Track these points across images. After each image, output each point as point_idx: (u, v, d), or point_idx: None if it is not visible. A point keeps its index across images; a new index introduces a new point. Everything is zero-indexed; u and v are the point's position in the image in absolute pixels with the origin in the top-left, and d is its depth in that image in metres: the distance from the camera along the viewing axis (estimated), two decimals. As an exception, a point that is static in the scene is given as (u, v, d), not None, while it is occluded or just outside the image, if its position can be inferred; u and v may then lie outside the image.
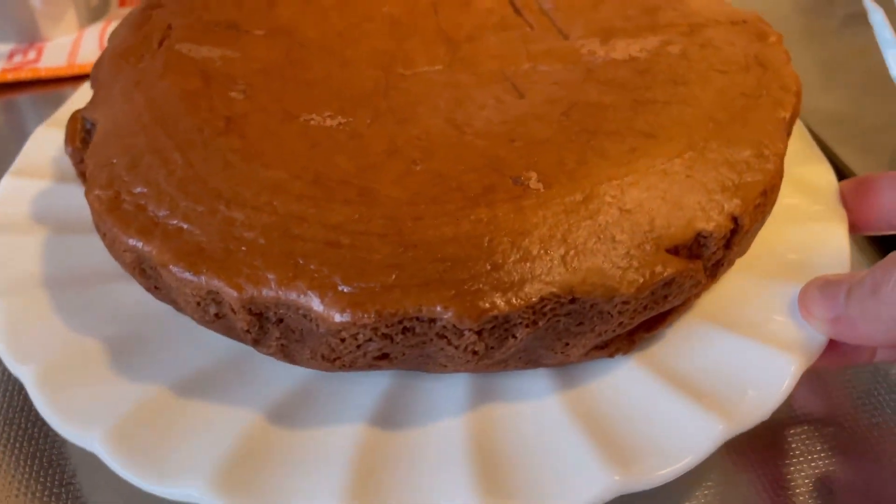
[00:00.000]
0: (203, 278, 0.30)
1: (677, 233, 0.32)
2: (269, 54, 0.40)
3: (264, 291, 0.30)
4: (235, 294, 0.30)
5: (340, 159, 0.34)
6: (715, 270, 0.34)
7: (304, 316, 0.30)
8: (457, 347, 0.30)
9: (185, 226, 0.32)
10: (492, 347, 0.30)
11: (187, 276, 0.31)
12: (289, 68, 0.40)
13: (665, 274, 0.30)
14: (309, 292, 0.30)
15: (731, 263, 0.35)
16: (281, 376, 0.35)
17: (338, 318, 0.29)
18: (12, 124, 0.59)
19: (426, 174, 0.33)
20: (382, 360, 0.31)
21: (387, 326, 0.29)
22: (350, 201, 0.32)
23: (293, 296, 0.30)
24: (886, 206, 0.38)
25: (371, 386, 0.35)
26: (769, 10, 0.65)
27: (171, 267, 0.31)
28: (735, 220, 0.32)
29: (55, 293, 0.37)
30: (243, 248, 0.31)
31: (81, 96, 0.48)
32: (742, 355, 0.33)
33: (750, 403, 0.32)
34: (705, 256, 0.33)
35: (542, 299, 0.29)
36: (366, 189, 0.32)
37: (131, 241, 0.32)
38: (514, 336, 0.30)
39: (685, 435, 0.31)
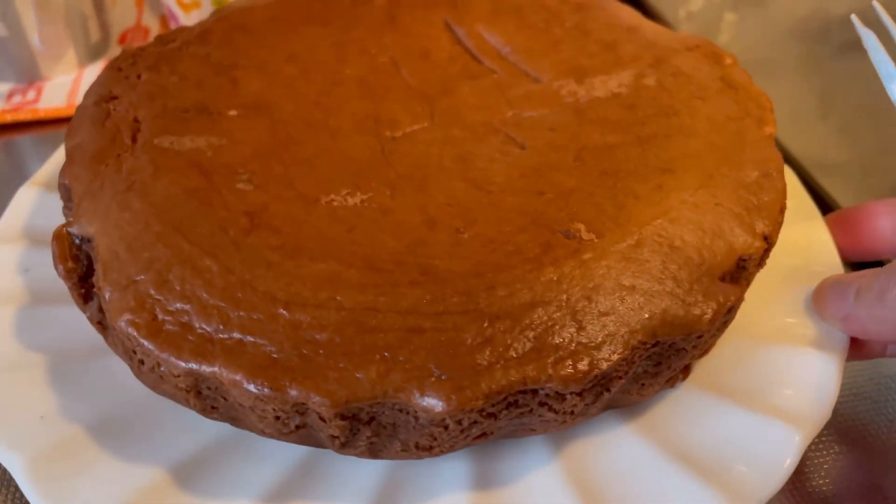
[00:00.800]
0: (289, 392, 0.29)
1: (724, 260, 0.33)
2: (255, 136, 0.38)
3: (358, 393, 0.28)
4: (328, 402, 0.28)
5: (384, 239, 0.33)
6: (745, 290, 0.36)
7: (401, 410, 0.29)
8: (557, 412, 0.30)
9: (248, 338, 0.30)
10: (587, 404, 0.31)
11: (266, 391, 0.29)
12: (282, 148, 0.38)
13: (729, 302, 0.32)
14: (406, 386, 0.29)
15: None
16: (279, 454, 0.34)
17: (442, 407, 0.28)
18: (12, 164, 0.58)
19: (477, 241, 0.33)
20: (481, 437, 0.31)
21: (492, 406, 0.29)
22: (416, 282, 0.31)
23: (390, 392, 0.28)
24: (885, 232, 0.39)
25: (370, 465, 0.34)
26: (766, 37, 0.68)
27: (246, 385, 0.29)
28: (766, 238, 0.35)
29: (35, 371, 0.36)
30: (321, 352, 0.29)
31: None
32: (746, 429, 0.34)
33: (756, 481, 0.32)
34: (743, 278, 0.35)
35: (632, 349, 0.30)
36: (425, 266, 0.32)
37: (188, 365, 0.30)
38: (608, 390, 0.31)
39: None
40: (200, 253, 0.32)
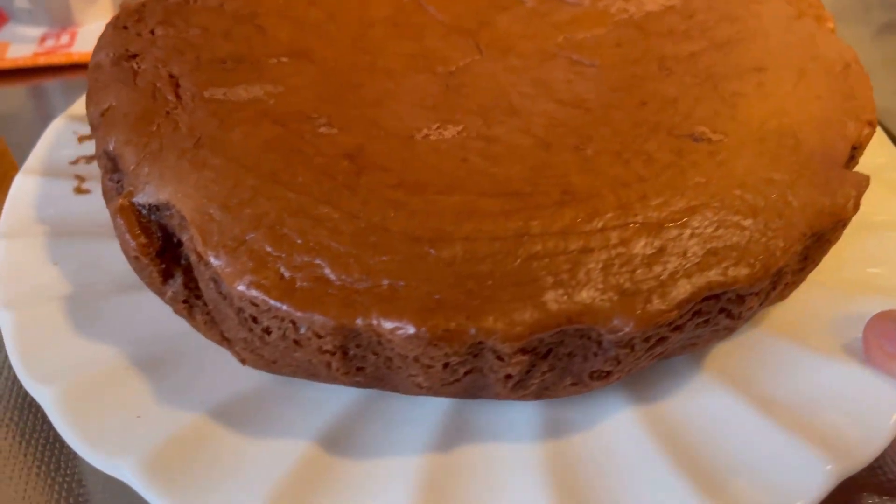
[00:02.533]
0: (469, 331, 0.25)
1: (842, 150, 0.32)
2: (310, 82, 0.35)
3: (543, 322, 0.26)
4: (512, 335, 0.25)
5: (503, 165, 0.30)
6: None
7: (583, 336, 0.27)
8: (733, 317, 0.29)
9: (399, 283, 0.26)
10: (760, 304, 0.29)
11: (441, 335, 0.26)
12: (346, 92, 0.34)
13: (863, 188, 0.31)
14: (590, 308, 0.26)
15: None
16: (329, 400, 0.32)
17: (631, 325, 0.26)
18: (39, 111, 0.56)
19: (604, 156, 0.31)
20: (658, 356, 0.29)
21: (680, 317, 0.27)
22: (563, 202, 0.29)
23: (574, 317, 0.26)
24: None
25: (432, 408, 0.32)
26: None
27: (416, 332, 0.25)
28: (871, 124, 0.34)
29: (71, 305, 0.35)
30: (489, 284, 0.26)
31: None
32: (842, 382, 0.31)
33: (858, 439, 0.29)
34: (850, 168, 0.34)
35: (801, 240, 0.29)
36: (564, 185, 0.29)
37: (339, 321, 0.26)
38: (775, 287, 0.29)
39: (791, 473, 0.28)
40: (312, 201, 0.28)
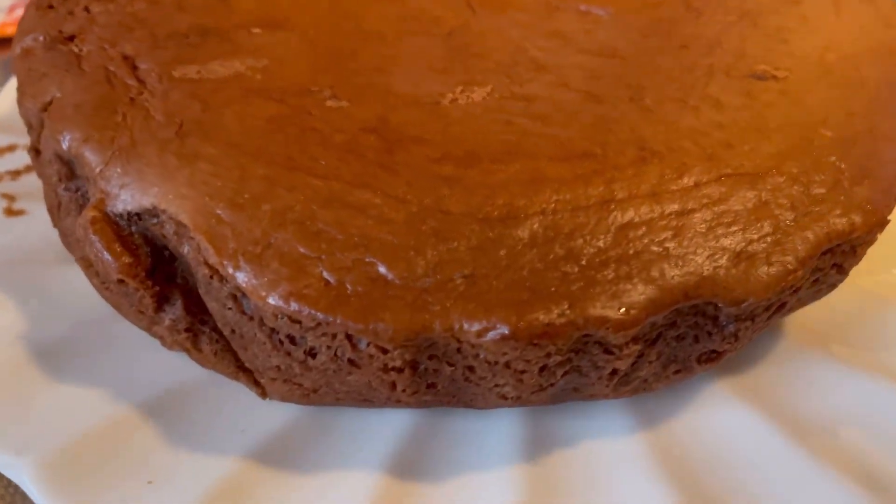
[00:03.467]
0: (577, 321, 0.21)
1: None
2: (296, 53, 0.29)
3: (663, 298, 0.21)
4: (629, 319, 0.21)
5: (555, 124, 0.26)
6: None
7: (700, 314, 0.23)
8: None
9: (476, 274, 0.21)
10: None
11: (543, 331, 0.21)
12: (343, 59, 0.29)
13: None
14: (720, 275, 0.22)
15: None
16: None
17: (771, 285, 0.22)
18: (7, 79, 0.50)
19: (666, 105, 0.27)
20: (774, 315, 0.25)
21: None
22: (642, 159, 0.24)
23: (701, 289, 0.22)
24: None
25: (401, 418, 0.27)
26: None
27: (515, 331, 0.21)
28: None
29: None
30: (584, 264, 0.22)
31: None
32: (868, 395, 0.27)
33: (884, 458, 0.25)
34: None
35: None
36: (637, 141, 0.25)
37: (410, 331, 0.21)
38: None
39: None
40: (345, 186, 0.23)
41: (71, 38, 0.29)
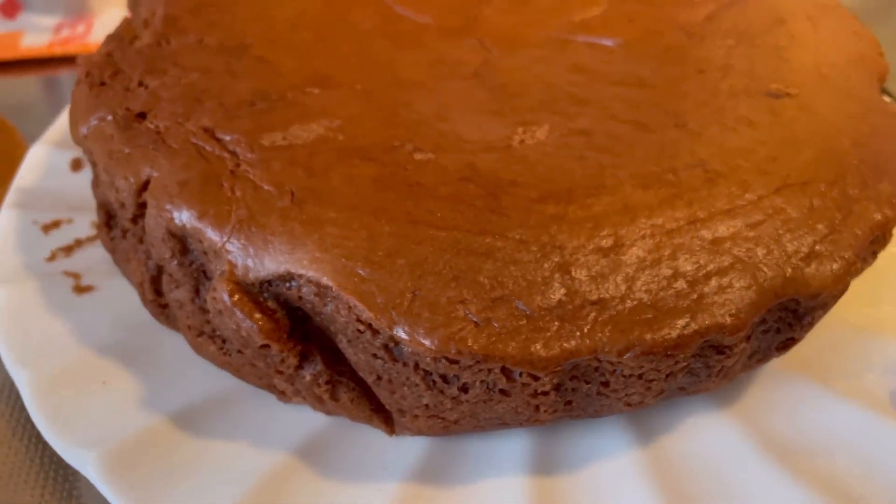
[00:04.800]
0: (701, 330, 0.24)
1: (878, 83, 0.35)
2: (358, 108, 0.31)
3: (760, 301, 0.25)
4: (741, 319, 0.24)
5: (626, 157, 0.29)
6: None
7: (784, 308, 0.27)
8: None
9: (606, 299, 0.24)
10: None
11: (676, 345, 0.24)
12: (400, 110, 0.31)
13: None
14: (800, 275, 0.26)
15: None
16: (308, 416, 0.30)
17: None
18: (53, 102, 0.53)
19: (713, 128, 0.30)
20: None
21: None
22: (711, 181, 0.28)
23: (787, 288, 0.26)
24: None
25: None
26: None
27: (652, 346, 0.24)
28: (881, 54, 0.36)
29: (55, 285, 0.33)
30: (690, 279, 0.25)
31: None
32: (860, 425, 0.29)
33: (872, 487, 0.27)
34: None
35: None
36: (702, 164, 0.28)
37: (563, 357, 0.23)
38: None
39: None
40: (467, 235, 0.25)
41: (143, 116, 0.30)
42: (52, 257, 0.34)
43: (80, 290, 0.33)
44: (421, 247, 0.25)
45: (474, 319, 0.24)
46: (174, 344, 0.31)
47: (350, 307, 0.24)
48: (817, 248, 0.26)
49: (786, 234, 0.26)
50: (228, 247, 0.26)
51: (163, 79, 0.31)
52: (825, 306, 0.27)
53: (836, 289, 0.26)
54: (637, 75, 0.33)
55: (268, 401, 0.29)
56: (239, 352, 0.28)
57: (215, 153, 0.28)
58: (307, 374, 0.26)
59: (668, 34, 0.36)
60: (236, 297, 0.25)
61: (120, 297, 0.33)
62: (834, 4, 0.38)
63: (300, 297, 0.25)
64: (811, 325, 0.28)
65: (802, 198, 0.28)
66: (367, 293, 0.24)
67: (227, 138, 0.29)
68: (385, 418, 0.28)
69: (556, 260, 0.25)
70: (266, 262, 0.25)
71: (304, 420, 0.29)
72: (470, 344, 0.23)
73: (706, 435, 0.29)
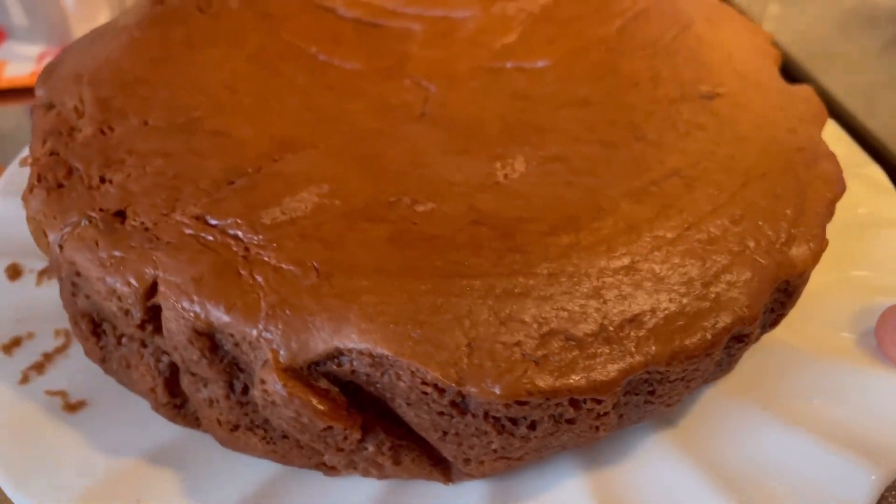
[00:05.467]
0: (729, 324, 0.26)
1: (777, 68, 0.39)
2: (340, 170, 0.31)
3: (763, 285, 0.28)
4: (753, 312, 0.27)
5: (608, 177, 0.31)
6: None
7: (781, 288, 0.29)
8: None
9: (640, 315, 0.26)
10: None
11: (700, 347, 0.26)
12: (381, 167, 0.32)
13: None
14: (796, 259, 0.29)
15: None
16: (361, 485, 0.29)
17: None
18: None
19: (669, 135, 0.32)
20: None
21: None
22: (689, 186, 0.30)
23: (781, 271, 0.28)
24: None
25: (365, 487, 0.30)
26: (809, 31, 0.60)
27: (688, 352, 0.26)
28: (774, 44, 0.41)
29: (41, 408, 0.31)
30: (699, 283, 0.27)
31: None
32: (802, 458, 0.29)
33: None
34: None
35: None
36: (677, 171, 0.31)
37: (623, 375, 0.25)
38: None
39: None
40: (500, 278, 0.26)
41: (121, 214, 0.28)
42: (24, 379, 0.31)
43: (72, 407, 0.30)
44: (462, 299, 0.26)
45: (533, 359, 0.25)
46: (198, 444, 0.30)
47: (412, 371, 0.24)
48: (793, 231, 0.29)
49: (764, 223, 0.29)
50: (266, 335, 0.25)
51: (124, 171, 0.30)
52: (806, 280, 0.30)
53: (815, 264, 0.29)
54: (578, 95, 0.35)
55: (315, 478, 0.29)
56: (284, 437, 0.27)
57: (217, 241, 0.27)
58: (370, 446, 0.26)
59: (590, 51, 0.38)
60: (290, 384, 0.25)
61: (121, 406, 0.31)
62: (722, 4, 0.42)
63: (353, 371, 0.25)
64: (797, 298, 0.31)
65: (766, 188, 0.31)
66: (425, 354, 0.24)
67: (224, 223, 0.28)
68: (443, 470, 0.28)
69: (587, 287, 0.26)
70: (311, 344, 0.25)
71: (359, 489, 0.29)
72: (538, 384, 0.24)
73: (651, 462, 0.30)
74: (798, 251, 0.29)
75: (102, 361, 0.30)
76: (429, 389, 0.25)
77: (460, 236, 0.28)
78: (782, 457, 0.30)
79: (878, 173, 0.42)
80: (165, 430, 0.30)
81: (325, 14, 0.41)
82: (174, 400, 0.29)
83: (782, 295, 0.30)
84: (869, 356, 0.33)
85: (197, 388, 0.27)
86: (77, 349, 0.33)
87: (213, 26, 0.39)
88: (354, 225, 0.28)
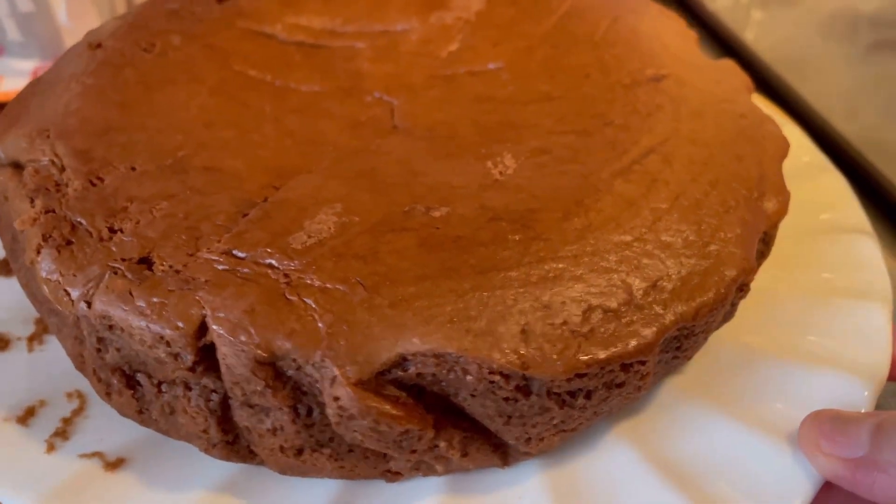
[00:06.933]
0: (721, 289, 0.29)
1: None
2: (348, 188, 0.32)
3: (721, 285, 0.31)
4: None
5: (596, 164, 0.33)
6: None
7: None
8: None
9: (646, 304, 0.29)
10: None
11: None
12: (378, 178, 0.33)
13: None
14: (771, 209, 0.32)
15: None
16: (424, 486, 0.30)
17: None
18: None
19: (634, 118, 0.35)
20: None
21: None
22: (666, 161, 0.33)
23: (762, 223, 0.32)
24: None
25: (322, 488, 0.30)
26: (792, 36, 0.60)
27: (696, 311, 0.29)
28: (696, 39, 0.45)
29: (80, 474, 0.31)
30: (681, 273, 0.30)
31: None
32: (750, 456, 0.30)
33: None
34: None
35: None
36: (651, 150, 0.34)
37: (661, 335, 0.28)
38: None
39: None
40: (532, 266, 0.28)
41: (146, 261, 0.28)
42: (51, 448, 0.30)
43: (113, 465, 0.30)
44: (505, 290, 0.27)
45: (581, 334, 0.27)
46: (253, 478, 0.30)
47: (479, 364, 0.26)
48: (762, 187, 0.33)
49: (737, 184, 0.33)
50: (329, 354, 0.26)
51: (131, 218, 0.30)
52: (776, 230, 0.34)
53: (785, 213, 0.33)
54: (539, 91, 0.38)
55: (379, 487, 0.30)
56: (350, 451, 0.28)
57: (255, 272, 0.28)
58: (441, 442, 0.27)
59: (535, 50, 0.41)
60: (364, 397, 0.25)
61: (163, 455, 0.30)
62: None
63: (418, 374, 0.26)
64: (772, 246, 0.34)
65: (729, 153, 0.34)
66: (487, 347, 0.26)
67: (254, 254, 0.28)
68: (502, 454, 0.29)
69: (609, 262, 0.29)
70: (375, 355, 0.26)
71: (422, 490, 0.30)
72: (595, 355, 0.26)
73: (607, 459, 0.31)
74: (770, 204, 0.33)
75: (139, 413, 0.29)
76: (496, 378, 0.26)
77: (483, 234, 0.29)
78: (733, 453, 0.30)
79: (839, 179, 0.43)
80: (216, 470, 0.30)
81: (267, 41, 0.42)
82: (226, 437, 0.29)
83: (762, 245, 0.34)
84: (829, 356, 0.33)
85: (258, 419, 0.28)
86: (97, 408, 0.32)
87: (164, 65, 0.38)
88: (381, 237, 0.29)
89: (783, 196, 0.33)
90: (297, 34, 0.42)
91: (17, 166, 0.34)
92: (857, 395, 0.31)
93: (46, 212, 0.30)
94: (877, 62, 0.58)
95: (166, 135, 0.34)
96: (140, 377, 0.29)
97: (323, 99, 0.38)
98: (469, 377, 0.26)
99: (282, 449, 0.28)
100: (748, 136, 0.35)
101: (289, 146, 0.35)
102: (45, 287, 0.28)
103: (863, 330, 0.34)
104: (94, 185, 0.31)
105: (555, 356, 0.26)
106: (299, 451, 0.28)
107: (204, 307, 0.27)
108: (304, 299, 0.27)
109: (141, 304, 0.27)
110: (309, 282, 0.27)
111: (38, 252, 0.29)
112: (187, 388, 0.28)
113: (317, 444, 0.28)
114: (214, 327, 0.26)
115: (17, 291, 0.34)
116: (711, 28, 0.63)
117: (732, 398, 0.33)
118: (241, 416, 0.28)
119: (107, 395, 0.30)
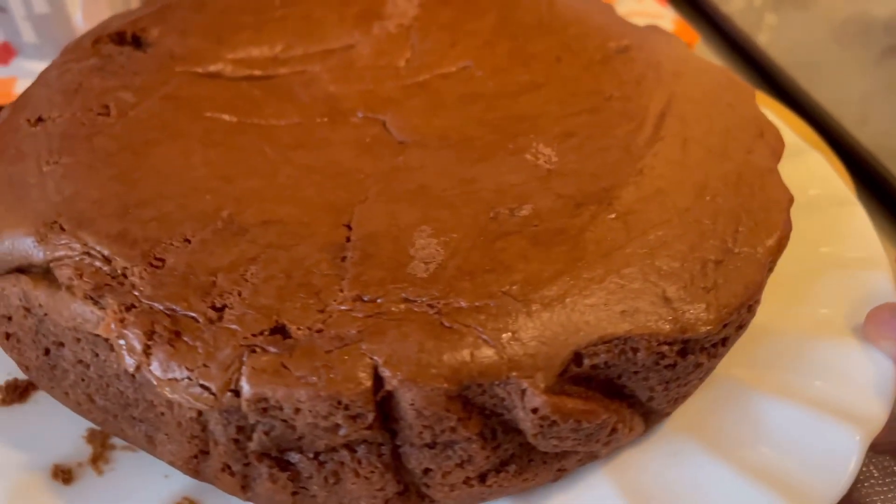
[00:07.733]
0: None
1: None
2: (417, 208, 0.31)
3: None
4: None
5: (620, 139, 0.35)
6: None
7: None
8: None
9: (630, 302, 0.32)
10: None
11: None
12: (444, 198, 0.32)
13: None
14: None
15: None
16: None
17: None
18: None
19: (627, 87, 0.38)
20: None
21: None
22: (665, 119, 0.36)
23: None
24: None
25: None
26: (805, 40, 0.58)
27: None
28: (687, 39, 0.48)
29: None
30: (673, 272, 0.34)
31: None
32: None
33: None
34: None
35: None
36: (653, 112, 0.36)
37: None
38: None
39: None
40: (636, 247, 0.30)
41: (279, 331, 0.26)
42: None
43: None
44: (629, 268, 0.29)
45: (710, 287, 0.29)
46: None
47: (648, 339, 0.27)
48: (762, 127, 0.37)
49: (742, 132, 0.36)
50: (514, 366, 0.26)
51: (230, 291, 0.27)
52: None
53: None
54: (524, 81, 0.39)
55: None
56: (531, 460, 0.28)
57: (400, 311, 0.26)
58: (619, 424, 0.28)
59: (496, 44, 0.41)
60: (559, 401, 0.26)
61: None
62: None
63: (592, 366, 0.27)
64: None
65: (724, 103, 0.38)
66: (647, 321, 0.27)
67: (386, 294, 0.27)
68: (648, 422, 0.31)
69: (693, 216, 0.31)
70: (552, 358, 0.26)
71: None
72: (732, 302, 0.28)
73: (588, 498, 0.30)
74: (768, 144, 0.37)
75: (293, 495, 0.27)
76: (663, 349, 0.27)
77: (579, 221, 0.30)
78: (704, 488, 0.29)
79: (818, 158, 0.43)
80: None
81: (215, 81, 0.39)
82: (399, 487, 0.27)
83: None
84: (824, 400, 0.32)
85: (444, 456, 0.27)
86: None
87: (134, 126, 0.35)
88: (492, 246, 0.29)
89: (773, 129, 0.37)
90: (242, 69, 0.40)
91: (22, 271, 0.30)
92: (849, 443, 0.30)
93: (128, 309, 0.26)
94: (890, 67, 0.57)
95: (193, 198, 0.31)
96: (291, 456, 0.27)
97: (313, 130, 0.37)
98: (640, 354, 0.27)
99: (466, 480, 0.27)
100: (725, 86, 0.39)
101: (321, 182, 0.33)
102: (167, 390, 0.25)
103: (865, 374, 0.32)
104: (157, 267, 0.28)
105: (703, 314, 0.28)
106: (483, 478, 0.27)
107: (373, 357, 0.25)
108: (464, 323, 0.26)
109: (301, 374, 0.25)
110: (458, 305, 0.27)
111: (148, 356, 0.25)
112: (351, 450, 0.26)
113: (500, 464, 0.27)
114: (391, 375, 0.25)
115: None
116: (724, 31, 0.62)
117: (721, 437, 0.31)
118: (418, 461, 0.27)
119: (243, 488, 0.27)
